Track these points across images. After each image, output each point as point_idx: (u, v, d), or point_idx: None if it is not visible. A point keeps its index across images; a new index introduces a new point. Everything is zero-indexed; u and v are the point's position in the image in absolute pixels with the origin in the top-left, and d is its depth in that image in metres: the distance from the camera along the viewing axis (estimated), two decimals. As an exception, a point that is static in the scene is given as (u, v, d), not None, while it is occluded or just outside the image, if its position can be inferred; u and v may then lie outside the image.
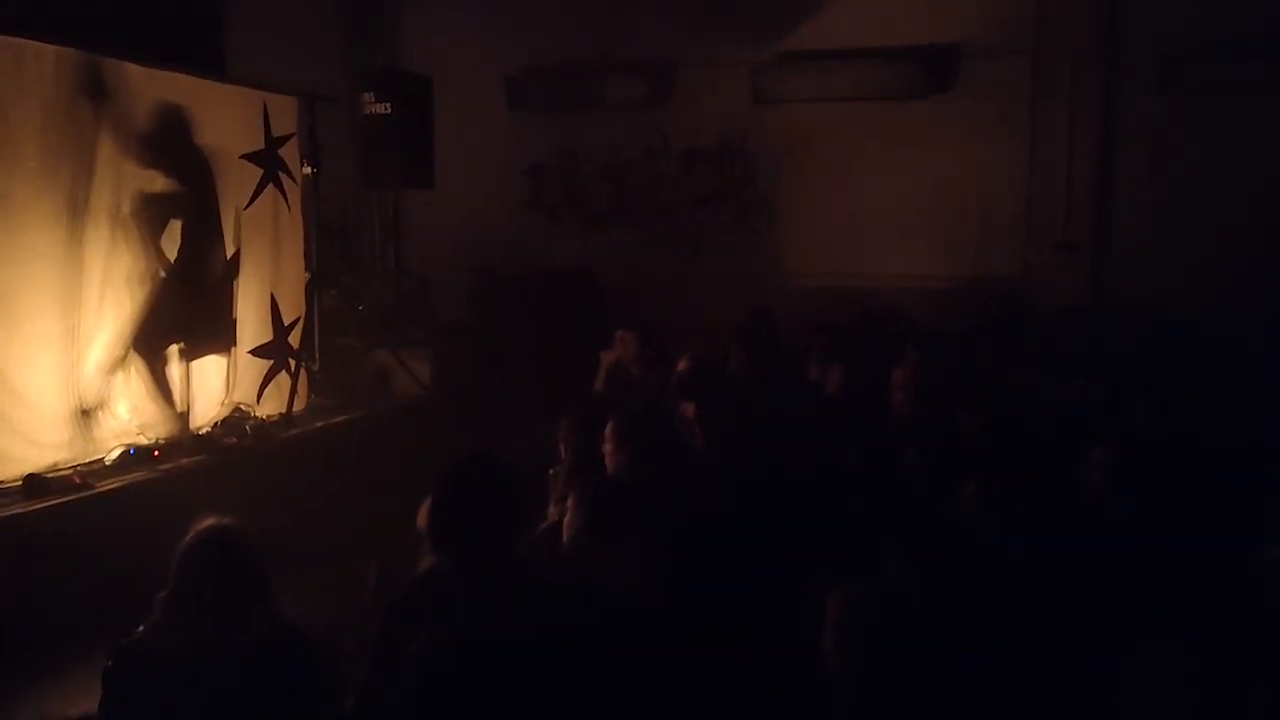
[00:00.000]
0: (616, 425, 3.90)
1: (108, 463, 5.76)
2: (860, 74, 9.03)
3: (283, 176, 7.24)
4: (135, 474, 5.72)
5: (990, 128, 8.94)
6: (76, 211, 5.64)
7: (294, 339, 7.42)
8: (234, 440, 6.50)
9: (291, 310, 7.42)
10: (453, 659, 1.76)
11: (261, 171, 7.04)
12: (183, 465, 5.98)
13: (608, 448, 3.91)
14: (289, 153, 7.32)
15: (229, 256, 6.74)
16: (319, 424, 7.29)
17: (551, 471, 4.43)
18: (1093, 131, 8.76)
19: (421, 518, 2.99)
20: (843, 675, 2.54)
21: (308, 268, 7.70)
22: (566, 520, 3.27)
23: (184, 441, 6.20)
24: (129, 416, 6.06)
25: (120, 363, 6.00)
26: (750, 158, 9.80)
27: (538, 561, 3.09)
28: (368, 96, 8.09)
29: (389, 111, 7.97)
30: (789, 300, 8.39)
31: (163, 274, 6.18)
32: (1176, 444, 4.00)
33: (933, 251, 9.15)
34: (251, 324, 7.03)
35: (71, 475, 5.46)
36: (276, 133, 7.15)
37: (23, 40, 5.31)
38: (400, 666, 1.89)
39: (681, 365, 5.70)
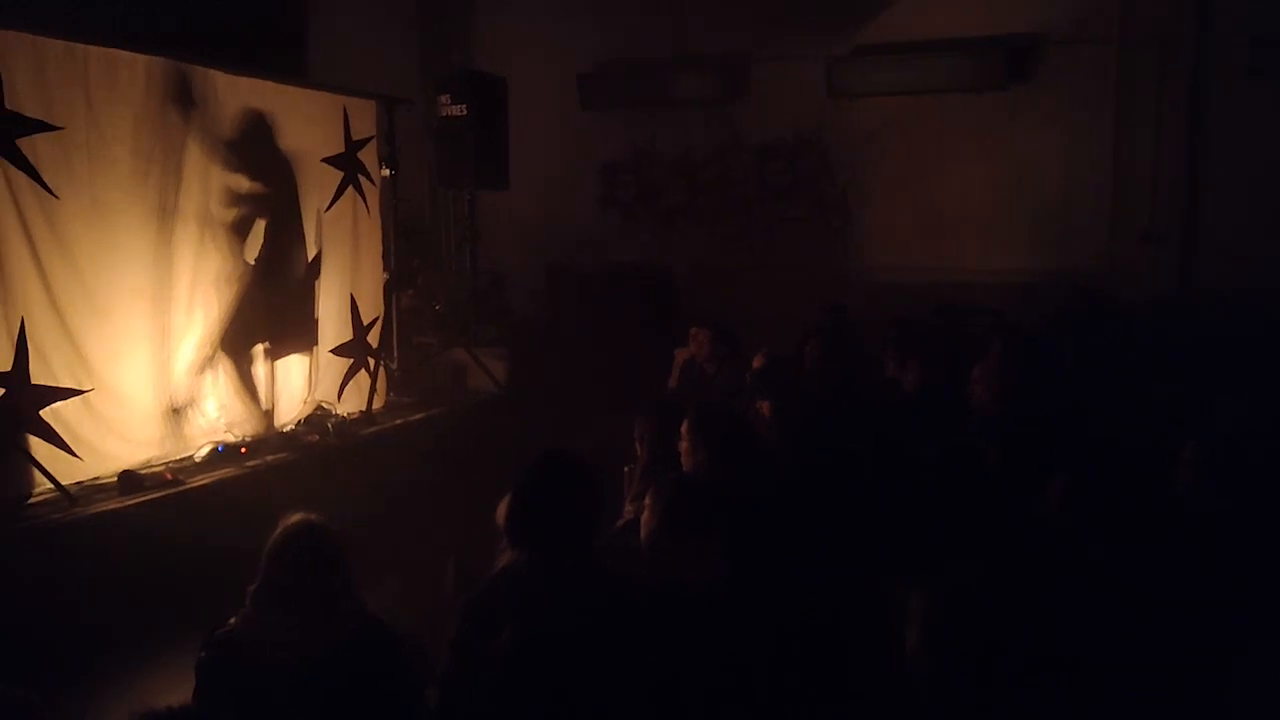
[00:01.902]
0: (692, 423, 3.90)
1: (197, 459, 5.94)
2: (938, 66, 8.87)
3: (362, 179, 7.38)
4: (223, 470, 5.88)
5: (1073, 118, 8.74)
6: (166, 215, 5.83)
7: (373, 338, 7.56)
8: (316, 437, 6.64)
9: (370, 310, 7.56)
10: (535, 655, 1.78)
11: (342, 174, 7.18)
12: (268, 462, 6.14)
13: (683, 445, 3.91)
14: (368, 155, 7.45)
15: (311, 258, 6.89)
16: (398, 421, 7.42)
17: (627, 469, 4.44)
18: (1180, 120, 8.50)
19: (500, 514, 3.03)
20: (927, 673, 2.52)
21: (386, 268, 7.83)
22: (644, 518, 3.27)
23: (269, 439, 6.37)
24: (217, 414, 6.23)
25: (209, 362, 6.18)
26: (825, 152, 9.71)
27: (614, 559, 3.11)
28: (444, 98, 8.19)
29: (464, 113, 8.06)
30: (865, 296, 8.29)
31: (248, 275, 6.35)
32: (1268, 440, 3.87)
33: (1013, 245, 8.97)
34: (332, 323, 7.18)
35: (164, 472, 5.64)
36: (356, 136, 7.30)
37: (116, 51, 5.49)
38: (483, 663, 1.91)
39: (756, 362, 5.67)
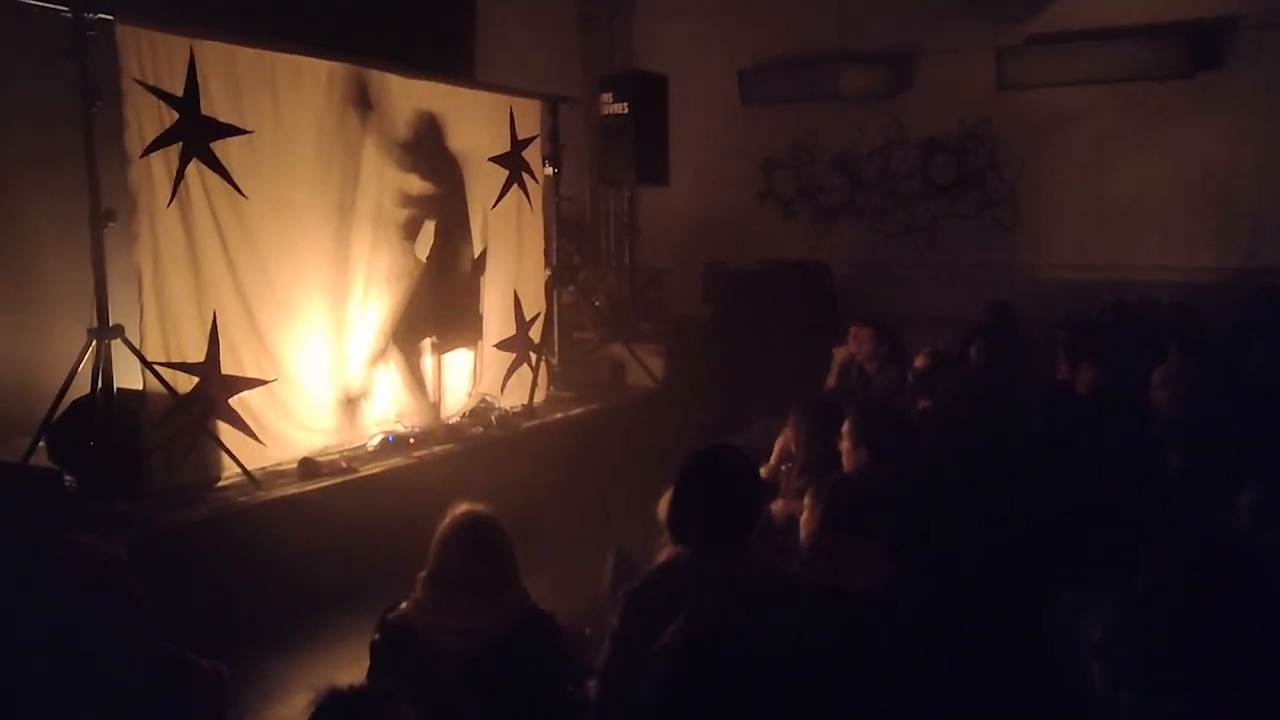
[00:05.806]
0: (854, 423, 3.85)
1: (369, 448, 6.18)
2: (1117, 54, 8.42)
3: (526, 177, 7.55)
4: (393, 460, 6.09)
5: (1267, 106, 8.18)
6: (344, 214, 6.10)
7: (535, 333, 7.72)
8: (480, 430, 6.81)
9: (532, 305, 7.73)
10: (705, 649, 1.78)
11: (507, 172, 7.36)
12: (435, 452, 6.32)
13: (845, 445, 3.86)
14: (532, 154, 7.61)
15: (477, 254, 7.08)
16: (558, 415, 7.53)
17: (784, 467, 4.41)
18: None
19: (662, 508, 3.05)
20: (1096, 685, 2.41)
21: (548, 264, 7.98)
22: (803, 518, 3.25)
23: (436, 430, 6.57)
24: (388, 406, 6.49)
25: (380, 355, 6.44)
26: (992, 146, 9.40)
27: (770, 557, 3.09)
28: (606, 97, 8.29)
29: (626, 111, 8.14)
30: (1034, 294, 8.00)
31: (418, 271, 6.59)
32: None
33: (1197, 241, 8.48)
34: (496, 319, 7.37)
35: (339, 459, 5.88)
36: (521, 135, 7.46)
37: (300, 57, 5.78)
38: (648, 657, 1.93)
39: (919, 362, 5.55)
